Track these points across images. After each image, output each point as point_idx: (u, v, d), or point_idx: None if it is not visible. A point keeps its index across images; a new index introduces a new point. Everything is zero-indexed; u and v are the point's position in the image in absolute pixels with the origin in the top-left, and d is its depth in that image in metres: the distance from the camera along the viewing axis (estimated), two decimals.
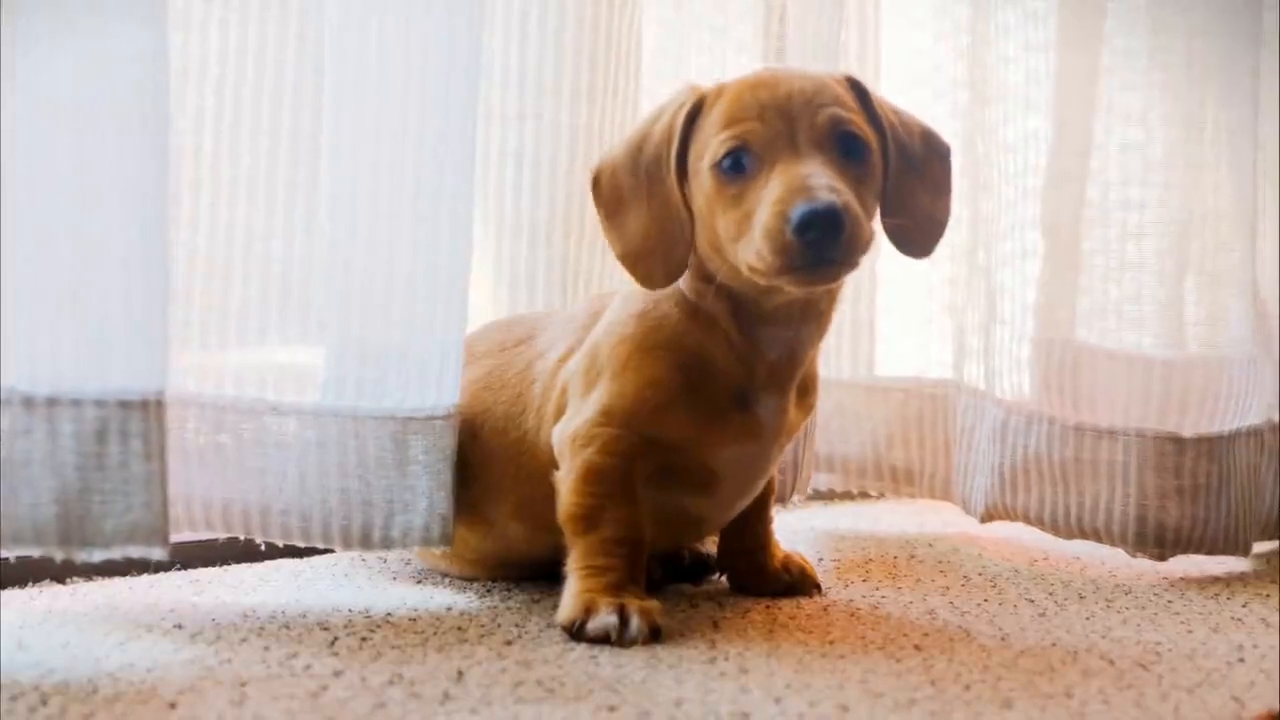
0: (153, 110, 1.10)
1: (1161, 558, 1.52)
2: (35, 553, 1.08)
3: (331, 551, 1.41)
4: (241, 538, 1.27)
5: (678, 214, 1.19)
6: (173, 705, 0.95)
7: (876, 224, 1.20)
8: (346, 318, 1.25)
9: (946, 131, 1.66)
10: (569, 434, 1.22)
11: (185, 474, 1.24)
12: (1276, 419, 1.63)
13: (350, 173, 1.24)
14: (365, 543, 1.26)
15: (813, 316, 1.22)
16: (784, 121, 1.14)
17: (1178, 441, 1.51)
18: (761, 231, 1.10)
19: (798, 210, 1.08)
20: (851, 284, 1.70)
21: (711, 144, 1.16)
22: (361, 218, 1.24)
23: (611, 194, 1.22)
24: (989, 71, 1.61)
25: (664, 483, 1.23)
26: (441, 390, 1.26)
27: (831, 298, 1.23)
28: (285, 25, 1.27)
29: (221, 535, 1.27)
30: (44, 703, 0.95)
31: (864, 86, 1.21)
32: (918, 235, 1.23)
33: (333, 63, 1.24)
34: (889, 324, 1.77)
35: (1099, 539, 1.53)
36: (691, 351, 1.21)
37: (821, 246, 1.08)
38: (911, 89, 1.74)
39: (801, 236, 1.08)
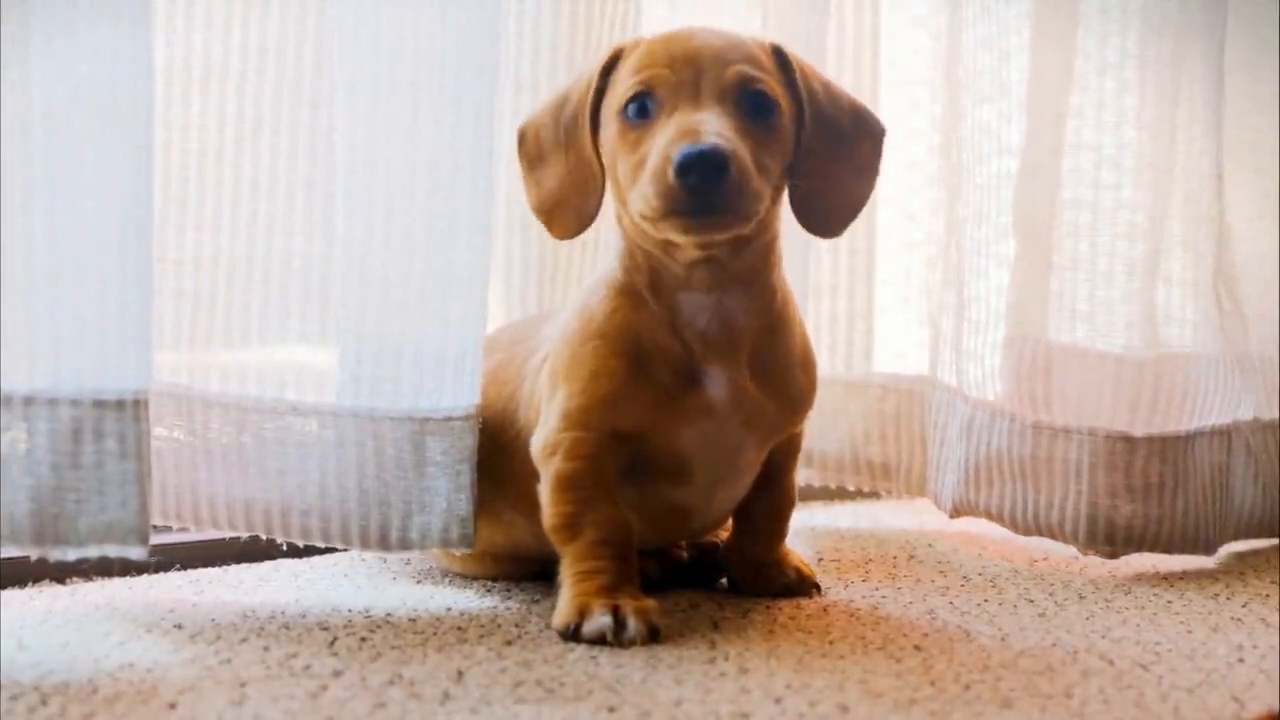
0: (136, 109, 1.10)
1: (1113, 555, 1.53)
2: (9, 551, 1.09)
3: (334, 551, 1.41)
4: (244, 536, 1.28)
5: (589, 166, 1.21)
6: (173, 705, 0.95)
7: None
8: (363, 316, 1.25)
9: (942, 129, 1.68)
10: (539, 444, 1.22)
11: (209, 473, 1.25)
12: (1268, 418, 1.63)
13: (365, 170, 1.24)
14: (383, 544, 1.26)
15: (733, 282, 1.21)
16: (691, 71, 1.15)
17: (1129, 440, 1.51)
18: (649, 174, 1.12)
19: (680, 151, 1.09)
20: (845, 277, 1.73)
21: (619, 90, 1.18)
22: (377, 215, 1.24)
23: (535, 149, 1.25)
24: (968, 77, 1.60)
25: (639, 476, 1.23)
26: (459, 390, 1.26)
27: (753, 264, 1.22)
28: (304, 22, 1.28)
29: (244, 534, 1.28)
30: (44, 703, 0.95)
31: (788, 55, 1.22)
32: (828, 212, 1.24)
33: (345, 59, 1.25)
34: (871, 322, 1.77)
35: (1054, 536, 1.54)
36: (627, 333, 1.21)
37: (702, 192, 1.09)
38: (907, 87, 1.74)
39: (683, 179, 1.09)
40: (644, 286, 1.21)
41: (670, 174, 1.10)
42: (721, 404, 1.21)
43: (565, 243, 1.51)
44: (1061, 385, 1.56)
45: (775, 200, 1.21)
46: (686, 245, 1.17)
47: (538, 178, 1.24)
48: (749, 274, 1.22)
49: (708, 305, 1.21)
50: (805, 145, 1.21)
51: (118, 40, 1.09)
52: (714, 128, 1.11)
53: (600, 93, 1.21)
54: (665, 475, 1.24)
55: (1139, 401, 1.55)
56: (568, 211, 1.23)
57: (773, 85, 1.18)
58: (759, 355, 1.23)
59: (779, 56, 1.22)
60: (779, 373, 1.25)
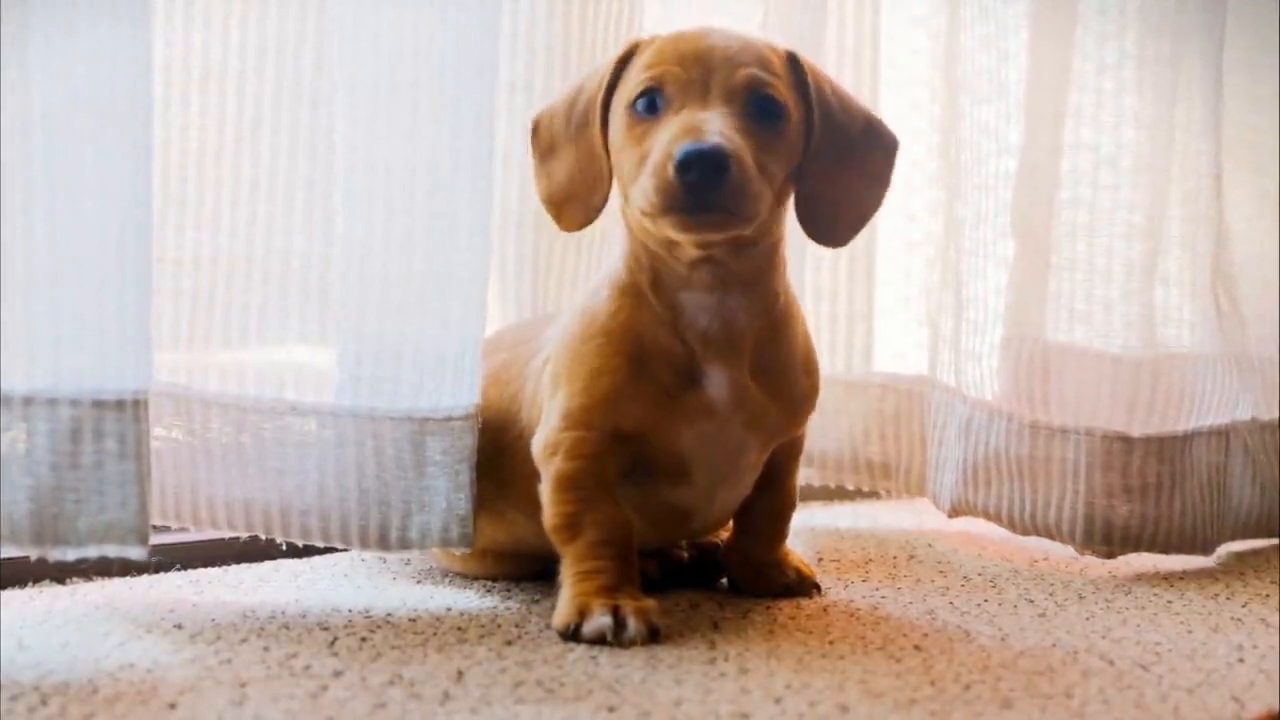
0: (135, 109, 1.10)
1: (1110, 555, 1.53)
2: (9, 551, 1.09)
3: (335, 551, 1.41)
4: (244, 536, 1.28)
5: (599, 159, 1.21)
6: (173, 705, 0.95)
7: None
8: (363, 316, 1.25)
9: (941, 129, 1.68)
10: (540, 444, 1.22)
11: (208, 473, 1.26)
12: (1266, 418, 1.64)
13: (365, 170, 1.24)
14: (383, 543, 1.26)
15: (735, 283, 1.21)
16: (701, 71, 1.16)
17: (1126, 440, 1.51)
18: (650, 169, 1.12)
19: (681, 148, 1.09)
20: (845, 278, 1.73)
21: (629, 84, 1.18)
22: (377, 215, 1.24)
23: (547, 140, 1.25)
24: (966, 77, 1.60)
25: (640, 476, 1.23)
26: (459, 390, 1.26)
27: (756, 265, 1.21)
28: (304, 22, 1.28)
29: (243, 534, 1.28)
30: (44, 703, 0.95)
31: (801, 61, 1.22)
32: (834, 221, 1.24)
33: (345, 59, 1.25)
34: (871, 322, 1.77)
35: (1051, 536, 1.54)
36: (629, 333, 1.21)
37: (701, 189, 1.09)
38: (907, 87, 1.74)
39: (682, 176, 1.09)
40: (646, 285, 1.22)
41: (670, 170, 1.10)
42: (722, 404, 1.21)
43: (560, 245, 1.52)
44: (1059, 385, 1.56)
45: (779, 205, 1.21)
46: (685, 243, 1.17)
47: (549, 169, 1.25)
48: (751, 276, 1.22)
49: (709, 305, 1.21)
50: (814, 152, 1.21)
51: (117, 40, 1.08)
52: (717, 127, 1.11)
53: (613, 87, 1.21)
54: (666, 475, 1.24)
55: (1136, 402, 1.55)
56: (575, 204, 1.23)
57: (782, 90, 1.18)
58: (760, 357, 1.23)
59: (793, 62, 1.22)
60: (780, 375, 1.25)
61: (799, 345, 1.27)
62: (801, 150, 1.21)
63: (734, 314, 1.21)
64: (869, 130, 1.25)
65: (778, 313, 1.24)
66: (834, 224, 1.25)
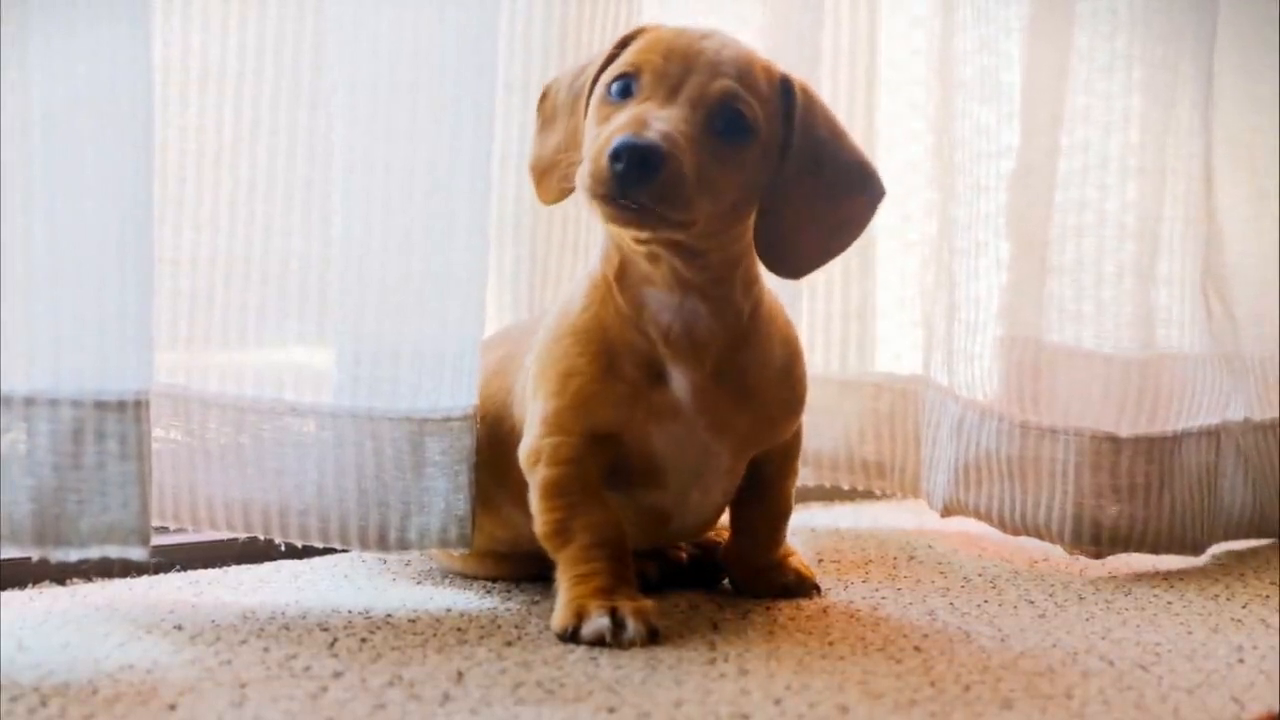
0: (135, 109, 1.10)
1: (1098, 555, 1.53)
2: (11, 551, 1.09)
3: (335, 552, 1.41)
4: (244, 536, 1.29)
5: (581, 134, 1.21)
6: (173, 706, 0.95)
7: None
8: (361, 316, 1.26)
9: (935, 130, 1.68)
10: (524, 452, 1.22)
11: (207, 474, 1.26)
12: (1260, 419, 1.64)
13: (364, 170, 1.24)
14: (382, 544, 1.27)
15: (694, 288, 1.20)
16: (681, 69, 1.15)
17: (1114, 441, 1.52)
18: (593, 151, 1.12)
19: (619, 138, 1.09)
20: (840, 276, 1.73)
21: (615, 66, 1.18)
22: (376, 216, 1.25)
23: (550, 109, 1.26)
24: (962, 78, 1.60)
25: (617, 479, 1.23)
26: (457, 391, 1.26)
27: (715, 277, 1.20)
28: (302, 22, 1.28)
29: (243, 535, 1.29)
30: (44, 704, 0.95)
31: (795, 87, 1.20)
32: (797, 250, 1.22)
33: (344, 59, 1.25)
34: (866, 321, 1.77)
35: (1040, 536, 1.54)
36: (596, 329, 1.21)
37: (626, 180, 1.09)
38: (905, 87, 1.74)
39: (612, 164, 1.09)
40: (614, 279, 1.21)
41: (604, 155, 1.10)
42: (686, 405, 1.21)
43: (557, 246, 1.52)
44: (1051, 386, 1.57)
45: (737, 222, 1.19)
46: (620, 235, 1.17)
47: (543, 138, 1.26)
48: (708, 286, 1.21)
49: (671, 304, 1.20)
50: (788, 178, 1.19)
51: (117, 40, 1.09)
52: (663, 127, 1.10)
53: (609, 67, 1.20)
54: (640, 477, 1.23)
55: (1126, 402, 1.55)
56: (554, 175, 1.23)
57: (755, 110, 1.16)
58: (727, 366, 1.22)
59: (784, 86, 1.20)
60: (751, 386, 1.24)
61: (774, 357, 1.26)
62: (769, 173, 1.19)
63: (695, 317, 1.21)
64: (858, 173, 1.23)
65: (743, 326, 1.23)
66: (795, 254, 1.22)
